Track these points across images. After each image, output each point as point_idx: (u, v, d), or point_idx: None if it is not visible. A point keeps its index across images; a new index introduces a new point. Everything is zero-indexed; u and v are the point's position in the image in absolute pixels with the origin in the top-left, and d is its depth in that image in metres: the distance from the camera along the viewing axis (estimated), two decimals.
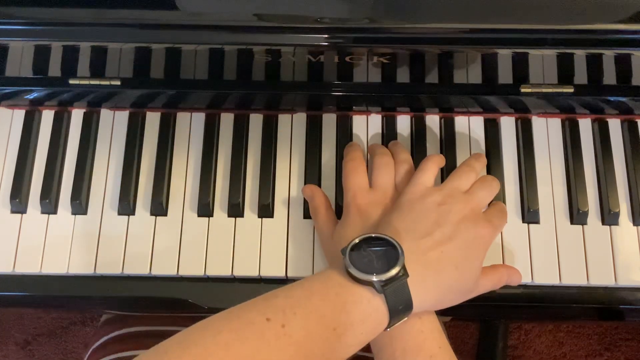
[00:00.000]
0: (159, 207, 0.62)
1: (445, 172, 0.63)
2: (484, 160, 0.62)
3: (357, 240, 0.50)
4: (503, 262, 0.61)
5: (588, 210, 0.62)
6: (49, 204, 0.63)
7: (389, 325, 0.49)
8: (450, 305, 0.54)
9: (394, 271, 0.47)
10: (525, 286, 0.61)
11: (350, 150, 0.62)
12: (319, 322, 0.46)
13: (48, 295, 0.63)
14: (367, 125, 0.66)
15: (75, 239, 0.62)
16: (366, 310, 0.47)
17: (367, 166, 0.62)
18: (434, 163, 0.59)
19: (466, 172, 0.58)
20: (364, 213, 0.56)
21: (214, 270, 0.61)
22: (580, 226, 0.62)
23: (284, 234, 0.62)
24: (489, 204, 0.59)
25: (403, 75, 0.62)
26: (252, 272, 0.61)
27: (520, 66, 0.59)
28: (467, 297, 0.55)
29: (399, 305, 0.48)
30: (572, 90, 0.62)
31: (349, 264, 0.48)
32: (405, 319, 0.50)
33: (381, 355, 0.53)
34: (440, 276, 0.51)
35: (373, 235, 0.50)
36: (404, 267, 0.48)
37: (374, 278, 0.47)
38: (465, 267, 0.52)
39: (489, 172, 0.64)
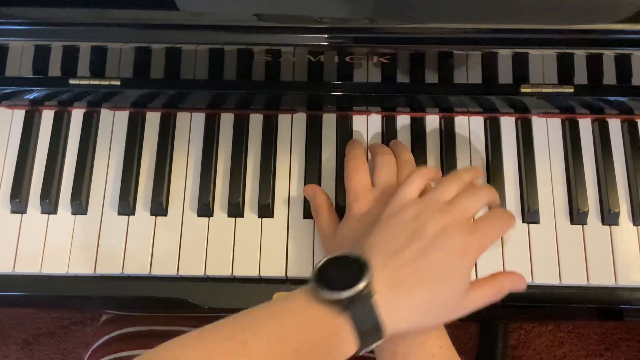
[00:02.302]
0: (159, 207, 0.62)
1: (445, 174, 0.63)
2: (477, 173, 0.58)
3: (324, 261, 0.48)
4: (503, 263, 0.61)
5: (588, 210, 0.62)
6: (49, 204, 0.63)
7: (362, 347, 0.46)
8: (436, 324, 0.51)
9: (356, 289, 0.45)
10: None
11: (352, 148, 0.62)
12: (280, 342, 0.44)
13: (48, 295, 0.63)
14: (367, 125, 0.66)
15: (75, 239, 0.62)
16: (330, 330, 0.45)
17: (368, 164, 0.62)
18: (420, 177, 0.55)
19: (450, 181, 0.54)
20: (366, 212, 0.56)
21: (214, 270, 0.61)
22: (580, 226, 0.62)
23: (284, 234, 0.62)
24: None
25: (403, 75, 0.62)
26: (252, 272, 0.61)
27: (520, 66, 0.59)
28: (455, 315, 0.50)
29: (366, 325, 0.45)
30: (572, 90, 0.62)
31: (314, 283, 0.46)
32: (380, 342, 0.47)
33: (382, 355, 0.52)
34: (414, 296, 0.47)
35: (340, 255, 0.48)
36: (369, 285, 0.46)
37: (337, 296, 0.45)
38: (444, 285, 0.48)
39: (489, 172, 0.64)
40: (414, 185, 0.54)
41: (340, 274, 0.47)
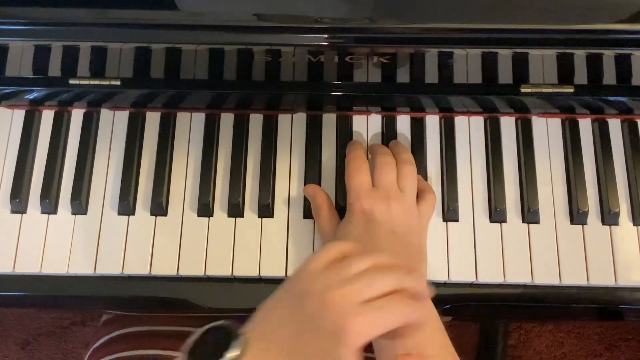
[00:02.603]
0: (159, 207, 0.62)
1: (445, 175, 0.63)
2: (401, 266, 0.48)
3: (199, 333, 0.45)
4: (503, 263, 0.61)
5: (588, 210, 0.62)
6: (49, 204, 0.63)
7: None
8: None
9: None
10: (525, 286, 0.61)
11: (353, 148, 0.62)
12: None
13: (48, 295, 0.63)
14: (367, 125, 0.66)
15: (75, 239, 0.62)
16: None
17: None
18: (334, 247, 0.48)
19: (361, 258, 0.46)
20: (367, 213, 0.56)
21: (214, 270, 0.61)
22: (580, 226, 0.62)
23: (284, 234, 0.62)
24: None
25: (403, 75, 0.62)
26: (252, 272, 0.61)
27: (520, 66, 0.59)
28: None
29: None
30: (572, 90, 0.62)
31: (184, 355, 0.44)
32: None
33: (382, 355, 0.52)
34: None
35: (220, 324, 0.46)
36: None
37: None
38: None
39: (489, 173, 0.64)
40: (323, 254, 0.48)
41: (212, 347, 0.44)
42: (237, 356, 0.43)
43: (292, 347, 0.44)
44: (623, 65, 0.58)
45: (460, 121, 0.66)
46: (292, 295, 0.46)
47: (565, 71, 0.60)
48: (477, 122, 0.66)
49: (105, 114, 0.67)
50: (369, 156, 0.64)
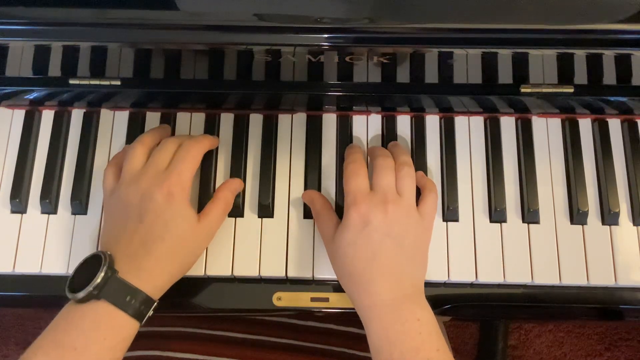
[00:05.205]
0: None
1: (445, 175, 0.63)
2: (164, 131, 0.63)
3: (73, 271, 0.53)
4: (503, 262, 0.61)
5: (588, 210, 0.62)
6: (49, 204, 0.63)
7: (139, 318, 0.52)
8: (195, 258, 0.57)
9: (100, 277, 0.51)
10: (525, 286, 0.61)
11: (351, 152, 0.62)
12: (58, 348, 0.50)
13: (48, 295, 0.63)
14: (367, 125, 0.66)
15: (75, 239, 0.62)
16: (95, 318, 0.51)
17: (367, 167, 0.61)
18: (139, 142, 0.59)
19: (160, 148, 0.58)
20: (363, 217, 0.55)
21: (214, 270, 0.61)
22: (580, 226, 0.62)
23: (284, 234, 0.62)
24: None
25: (403, 75, 0.62)
26: (252, 272, 0.61)
27: (520, 66, 0.59)
28: (203, 242, 0.57)
29: (124, 297, 0.51)
30: (572, 90, 0.62)
31: (66, 291, 0.52)
32: (155, 304, 0.53)
33: (379, 358, 0.52)
34: (152, 254, 0.53)
35: (83, 260, 0.54)
36: (110, 268, 0.52)
37: (83, 292, 0.50)
38: (168, 233, 0.54)
39: (489, 173, 0.64)
40: (133, 154, 0.58)
41: (89, 273, 0.51)
42: (107, 270, 0.51)
43: (141, 234, 0.53)
44: (623, 65, 0.58)
45: (460, 121, 0.66)
46: (119, 203, 0.56)
47: (565, 71, 0.60)
48: (477, 122, 0.66)
49: (105, 114, 0.67)
50: (368, 159, 0.64)
